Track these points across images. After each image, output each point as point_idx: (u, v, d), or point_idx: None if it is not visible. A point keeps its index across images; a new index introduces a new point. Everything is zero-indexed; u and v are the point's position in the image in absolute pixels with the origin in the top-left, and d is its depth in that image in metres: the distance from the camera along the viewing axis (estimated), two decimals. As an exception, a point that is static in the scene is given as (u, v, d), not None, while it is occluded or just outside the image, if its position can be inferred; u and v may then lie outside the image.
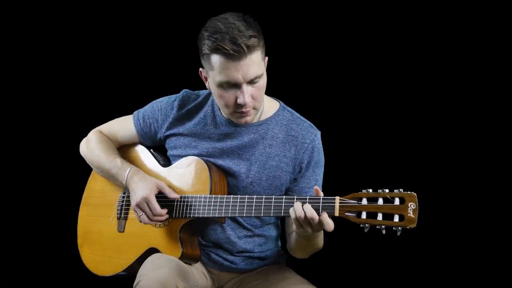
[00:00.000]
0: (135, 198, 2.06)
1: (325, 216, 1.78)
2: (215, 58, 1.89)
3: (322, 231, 1.96)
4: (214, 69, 1.92)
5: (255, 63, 1.89)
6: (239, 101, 1.92)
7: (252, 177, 2.06)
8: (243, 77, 1.89)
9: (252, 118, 2.02)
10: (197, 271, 2.13)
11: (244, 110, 1.95)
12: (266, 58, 1.98)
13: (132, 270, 2.16)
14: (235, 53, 1.85)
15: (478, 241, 2.74)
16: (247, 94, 1.91)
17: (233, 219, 2.12)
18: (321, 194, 1.82)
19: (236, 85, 1.91)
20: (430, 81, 2.77)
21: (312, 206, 1.80)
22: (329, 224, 1.79)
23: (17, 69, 3.17)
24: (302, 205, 1.80)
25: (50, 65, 3.15)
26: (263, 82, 1.95)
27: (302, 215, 1.80)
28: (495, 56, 2.67)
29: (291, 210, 1.83)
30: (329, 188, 1.86)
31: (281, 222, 2.23)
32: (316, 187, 1.83)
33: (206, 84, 2.03)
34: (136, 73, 3.08)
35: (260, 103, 2.01)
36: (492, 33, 2.65)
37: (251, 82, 1.91)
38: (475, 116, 2.72)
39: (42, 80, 3.17)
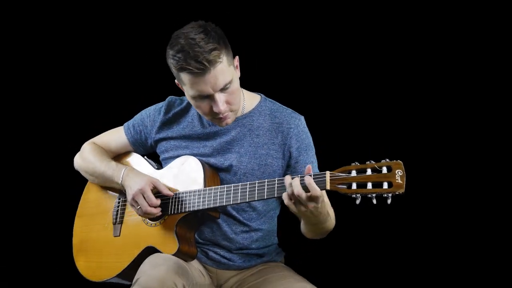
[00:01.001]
0: (131, 193, 2.11)
1: (311, 181, 1.81)
2: (183, 76, 2.00)
3: (329, 215, 2.00)
4: (185, 84, 2.03)
5: (222, 73, 1.98)
6: (215, 109, 2.02)
7: (244, 168, 2.13)
8: (213, 88, 1.99)
9: (233, 119, 2.11)
10: (195, 269, 2.14)
11: (221, 116, 2.05)
12: (236, 58, 2.07)
13: (127, 274, 2.17)
14: (198, 70, 1.95)
15: (467, 209, 2.79)
16: (220, 102, 2.01)
17: (229, 215, 2.16)
18: (313, 171, 1.88)
19: (208, 96, 2.01)
20: (408, 60, 2.85)
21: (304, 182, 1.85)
22: (315, 189, 1.80)
23: (17, 71, 3.25)
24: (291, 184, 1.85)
25: (48, 68, 3.24)
26: (235, 86, 2.05)
27: (289, 192, 1.84)
28: (488, 54, 2.77)
29: (283, 195, 1.86)
30: (319, 166, 1.92)
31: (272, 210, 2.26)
32: (308, 165, 1.89)
33: (185, 94, 2.13)
34: (128, 82, 3.17)
35: (237, 105, 2.10)
36: (492, 33, 2.74)
37: (223, 89, 2.01)
38: (456, 91, 2.81)
39: (40, 84, 3.25)
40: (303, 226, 2.10)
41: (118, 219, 2.25)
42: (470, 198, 2.78)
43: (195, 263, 2.16)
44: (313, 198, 1.83)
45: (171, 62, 2.01)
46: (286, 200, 1.87)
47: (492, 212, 2.76)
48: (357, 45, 2.92)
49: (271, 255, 2.25)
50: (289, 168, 2.15)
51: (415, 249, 2.84)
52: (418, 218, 2.78)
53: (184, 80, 2.01)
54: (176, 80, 2.10)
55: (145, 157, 2.33)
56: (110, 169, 2.23)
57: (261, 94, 2.25)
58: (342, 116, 2.92)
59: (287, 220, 2.24)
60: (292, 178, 1.86)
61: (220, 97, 2.00)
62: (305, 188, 1.82)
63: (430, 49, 2.83)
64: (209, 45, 1.94)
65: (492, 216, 2.77)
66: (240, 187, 2.00)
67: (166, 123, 2.24)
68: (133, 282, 1.95)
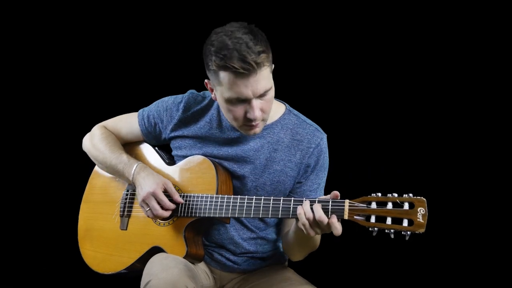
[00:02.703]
0: (141, 194, 2.04)
1: (334, 220, 1.78)
2: (223, 75, 1.86)
3: None
4: (222, 85, 1.89)
5: (265, 78, 1.87)
6: (249, 115, 1.91)
7: (256, 181, 2.06)
8: (253, 93, 1.87)
9: (261, 129, 2.00)
10: (201, 270, 2.13)
11: (253, 123, 1.94)
12: (273, 66, 1.96)
13: (133, 269, 2.16)
14: (244, 71, 1.82)
15: (486, 246, 2.76)
16: (257, 109, 1.90)
17: (238, 220, 2.12)
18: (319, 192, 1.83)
19: (245, 100, 1.90)
20: (441, 86, 2.78)
21: (322, 208, 1.80)
22: (337, 229, 1.78)
23: (20, 66, 3.18)
24: (311, 206, 1.81)
25: (55, 62, 3.16)
26: (272, 94, 1.94)
27: (311, 216, 1.80)
28: (495, 56, 2.70)
29: (299, 211, 1.82)
30: (339, 191, 1.85)
31: (278, 221, 2.22)
32: (336, 192, 1.83)
33: (212, 95, 2.01)
34: (142, 70, 3.08)
35: (269, 115, 1.99)
36: (492, 33, 2.68)
37: (261, 95, 1.90)
38: (484, 121, 2.74)
39: (47, 77, 3.18)
40: (291, 241, 2.05)
41: (125, 212, 2.20)
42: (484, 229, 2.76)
43: (201, 264, 2.15)
44: (330, 228, 1.80)
45: (212, 59, 1.86)
46: (303, 227, 1.82)
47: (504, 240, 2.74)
48: (379, 60, 2.84)
49: (275, 258, 2.23)
50: (296, 184, 2.08)
51: (416, 251, 2.81)
52: (430, 234, 2.74)
53: (223, 80, 1.87)
54: (207, 80, 1.97)
55: (156, 148, 2.25)
56: (121, 163, 2.15)
57: (286, 104, 2.14)
58: (371, 140, 2.83)
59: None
60: (311, 204, 1.81)
61: (257, 103, 1.90)
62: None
63: (458, 75, 2.75)
64: (258, 47, 1.82)
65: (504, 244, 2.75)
66: (254, 201, 1.94)
67: (184, 122, 2.13)
68: (143, 284, 1.92)
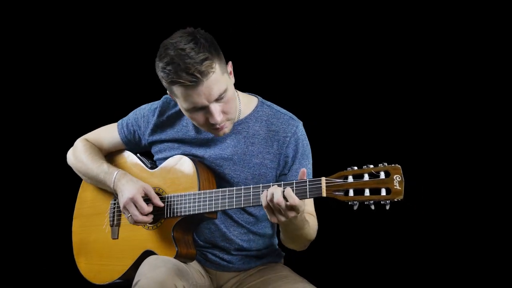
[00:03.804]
0: (122, 200, 2.07)
1: (288, 190, 1.76)
2: (175, 89, 1.90)
3: (308, 222, 1.95)
4: (177, 97, 1.94)
5: (215, 83, 1.88)
6: (211, 121, 1.93)
7: (237, 177, 2.07)
8: (207, 99, 1.89)
9: (230, 128, 2.01)
10: (195, 270, 2.13)
11: (218, 126, 1.96)
12: (230, 64, 1.97)
13: (128, 276, 2.16)
14: (191, 83, 1.85)
15: (466, 211, 2.77)
16: (216, 113, 1.92)
17: (227, 216, 2.12)
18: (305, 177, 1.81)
19: (203, 107, 1.92)
20: (404, 61, 2.81)
21: (299, 189, 1.79)
22: (293, 198, 1.76)
23: (13, 71, 3.24)
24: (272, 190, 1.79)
25: (41, 72, 3.21)
26: (230, 94, 1.94)
27: (270, 198, 1.78)
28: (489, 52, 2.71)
29: (262, 196, 1.81)
30: (314, 170, 1.85)
31: None
32: (302, 169, 1.82)
33: (179, 106, 2.03)
34: (121, 81, 3.12)
35: (234, 113, 2.00)
36: (492, 33, 2.69)
37: (218, 99, 1.91)
38: (454, 90, 2.76)
39: (36, 81, 3.23)
40: (282, 233, 2.03)
41: (115, 222, 2.22)
42: (470, 201, 2.75)
43: (194, 264, 2.14)
44: (293, 207, 1.78)
45: (161, 76, 1.91)
46: (268, 213, 1.82)
47: (492, 216, 2.73)
48: (352, 46, 2.85)
49: (270, 257, 2.22)
50: (281, 176, 2.07)
51: (414, 249, 2.82)
52: (417, 218, 2.75)
53: (177, 93, 1.91)
54: (168, 92, 2.00)
55: (138, 155, 2.28)
56: (102, 172, 2.18)
57: (258, 97, 2.15)
58: (337, 117, 2.85)
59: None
60: (279, 186, 1.81)
61: (215, 108, 1.91)
62: (285, 197, 1.77)
63: (426, 48, 2.76)
64: (200, 55, 1.84)
65: (492, 219, 2.73)
66: (235, 192, 1.95)
67: (160, 126, 2.17)
68: (132, 284, 1.94)
